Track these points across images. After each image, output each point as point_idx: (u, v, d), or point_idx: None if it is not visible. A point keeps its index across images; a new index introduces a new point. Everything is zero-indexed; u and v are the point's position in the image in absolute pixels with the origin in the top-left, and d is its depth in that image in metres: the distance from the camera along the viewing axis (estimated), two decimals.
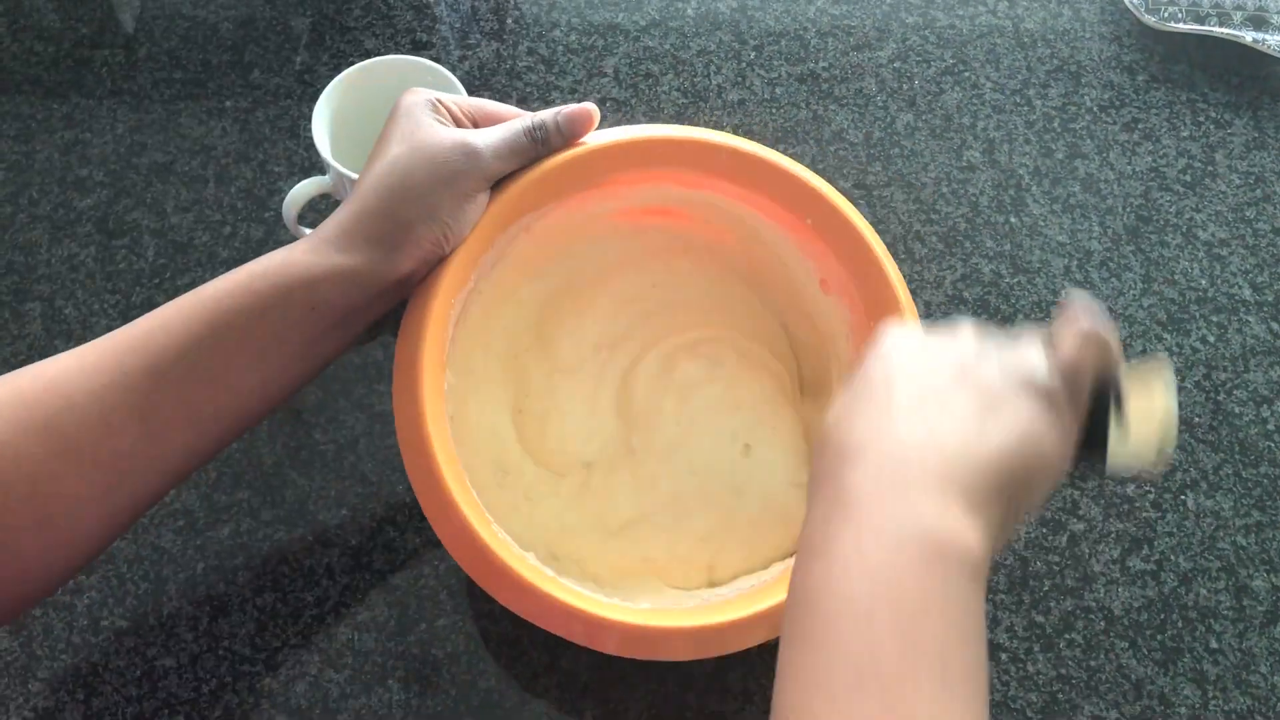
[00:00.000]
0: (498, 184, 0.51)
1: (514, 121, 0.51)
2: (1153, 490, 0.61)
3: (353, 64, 0.61)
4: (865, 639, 0.32)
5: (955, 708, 0.31)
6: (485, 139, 0.49)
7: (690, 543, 0.55)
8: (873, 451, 0.36)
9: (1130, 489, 0.61)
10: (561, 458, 0.56)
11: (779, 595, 0.48)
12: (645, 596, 0.52)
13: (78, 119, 0.71)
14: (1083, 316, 0.39)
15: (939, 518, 0.34)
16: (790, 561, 0.51)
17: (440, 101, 0.50)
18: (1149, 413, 0.38)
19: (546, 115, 0.51)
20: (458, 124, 0.50)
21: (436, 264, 0.49)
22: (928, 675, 0.31)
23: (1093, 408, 0.39)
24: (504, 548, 0.48)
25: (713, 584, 0.54)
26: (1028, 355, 0.38)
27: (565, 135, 0.52)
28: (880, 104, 0.74)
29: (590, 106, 0.52)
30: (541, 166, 0.52)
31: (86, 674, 0.54)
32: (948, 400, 0.37)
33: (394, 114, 0.49)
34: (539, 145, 0.51)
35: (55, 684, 0.54)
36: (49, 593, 0.45)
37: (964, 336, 0.40)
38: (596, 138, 0.53)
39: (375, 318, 0.49)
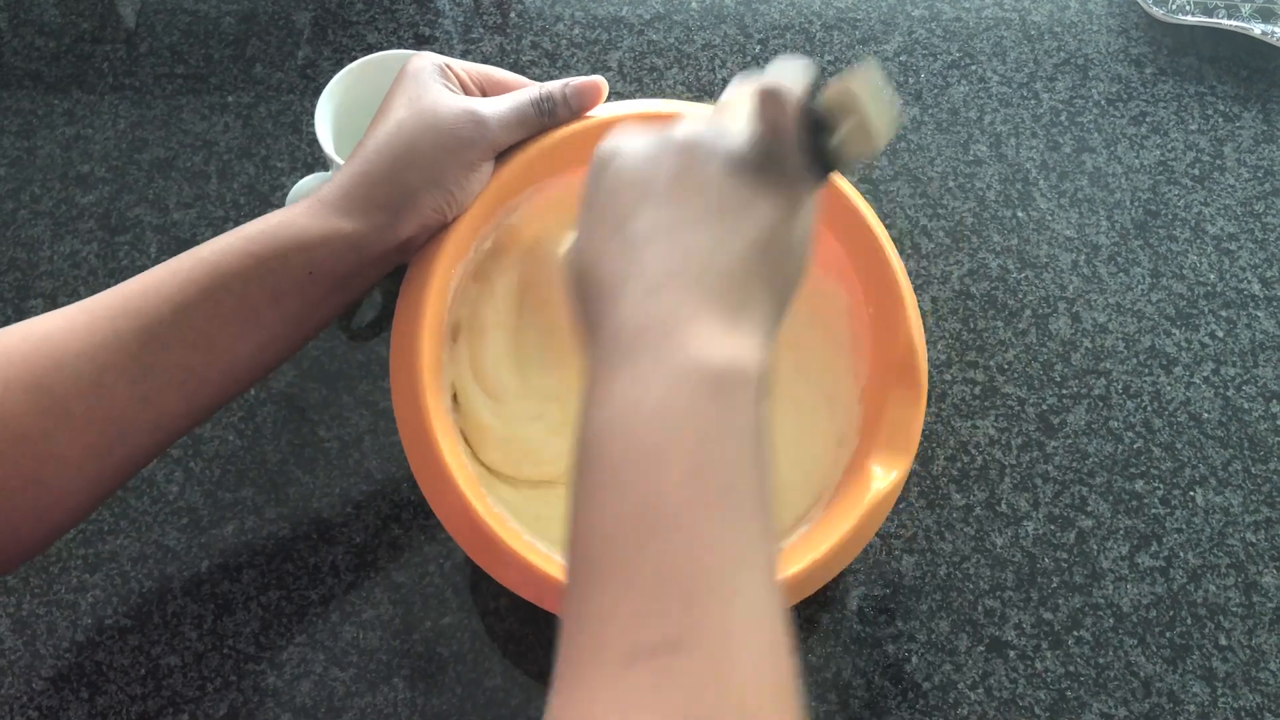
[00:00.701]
0: (502, 154, 0.50)
1: (522, 92, 0.50)
2: (1161, 486, 0.61)
3: (355, 59, 0.60)
4: (653, 479, 0.31)
5: (749, 534, 0.31)
6: (493, 109, 0.48)
7: None
8: (628, 286, 0.35)
9: (1139, 486, 0.60)
10: (564, 429, 0.56)
11: (801, 562, 0.47)
12: None
13: (79, 114, 0.71)
14: (762, 80, 0.38)
15: (709, 345, 0.33)
16: (804, 530, 0.51)
17: (449, 66, 0.49)
18: (852, 107, 0.36)
19: (555, 87, 0.50)
20: (465, 91, 0.49)
21: (437, 230, 0.49)
22: (719, 506, 0.31)
23: (803, 138, 0.37)
24: (499, 522, 0.47)
25: None
26: (728, 140, 0.37)
27: (573, 108, 0.51)
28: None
29: (599, 80, 0.51)
30: (548, 139, 0.51)
31: (91, 672, 0.54)
32: (676, 214, 0.36)
33: (401, 76, 0.48)
34: (546, 117, 0.50)
35: (59, 683, 0.54)
36: (38, 552, 0.44)
37: (672, 135, 0.38)
38: (604, 111, 0.52)
39: (373, 283, 0.48)
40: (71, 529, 0.47)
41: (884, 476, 0.49)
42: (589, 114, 0.52)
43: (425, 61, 0.48)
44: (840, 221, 0.54)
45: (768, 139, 0.37)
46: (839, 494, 0.51)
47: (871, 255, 0.53)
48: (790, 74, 0.37)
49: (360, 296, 0.48)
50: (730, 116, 0.39)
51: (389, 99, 0.48)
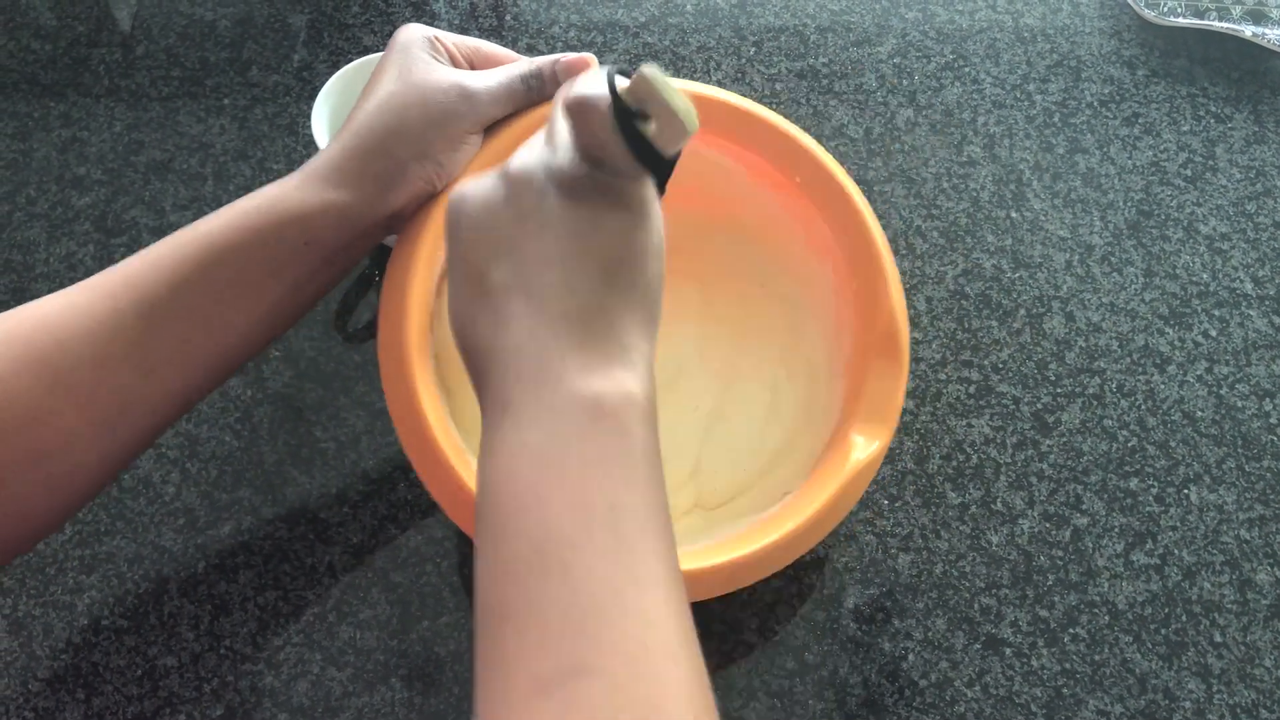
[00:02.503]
0: (491, 127, 0.50)
1: (511, 67, 0.50)
2: (1156, 484, 0.61)
3: (351, 61, 0.61)
4: (540, 516, 0.32)
5: (641, 553, 0.32)
6: (482, 83, 0.48)
7: (679, 477, 0.56)
8: (498, 341, 0.36)
9: (1134, 484, 0.61)
10: None
11: (781, 529, 0.48)
12: None
13: (75, 117, 0.71)
14: (564, 96, 0.38)
15: (581, 377, 0.34)
16: (786, 499, 0.51)
17: (438, 39, 0.49)
18: (651, 98, 0.37)
19: (544, 63, 0.50)
20: (454, 64, 0.49)
21: (426, 201, 0.49)
22: (605, 538, 0.32)
23: (624, 140, 0.37)
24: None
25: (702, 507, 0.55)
26: (560, 161, 0.37)
27: (562, 84, 0.50)
28: (880, 99, 0.74)
29: (588, 56, 0.51)
30: (537, 113, 0.51)
31: (87, 673, 0.54)
32: (533, 255, 0.36)
33: (390, 48, 0.48)
34: (534, 93, 0.50)
35: (55, 684, 0.54)
36: (47, 533, 0.45)
37: (513, 169, 0.38)
38: None
39: (362, 255, 0.49)
40: (81, 508, 0.47)
41: (865, 447, 0.50)
42: None
43: (415, 33, 0.48)
44: (827, 202, 0.54)
45: (589, 148, 0.37)
46: (820, 464, 0.51)
47: (855, 231, 0.54)
48: (589, 82, 0.37)
49: (351, 268, 0.49)
50: (555, 139, 0.39)
51: (379, 70, 0.48)
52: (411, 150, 0.46)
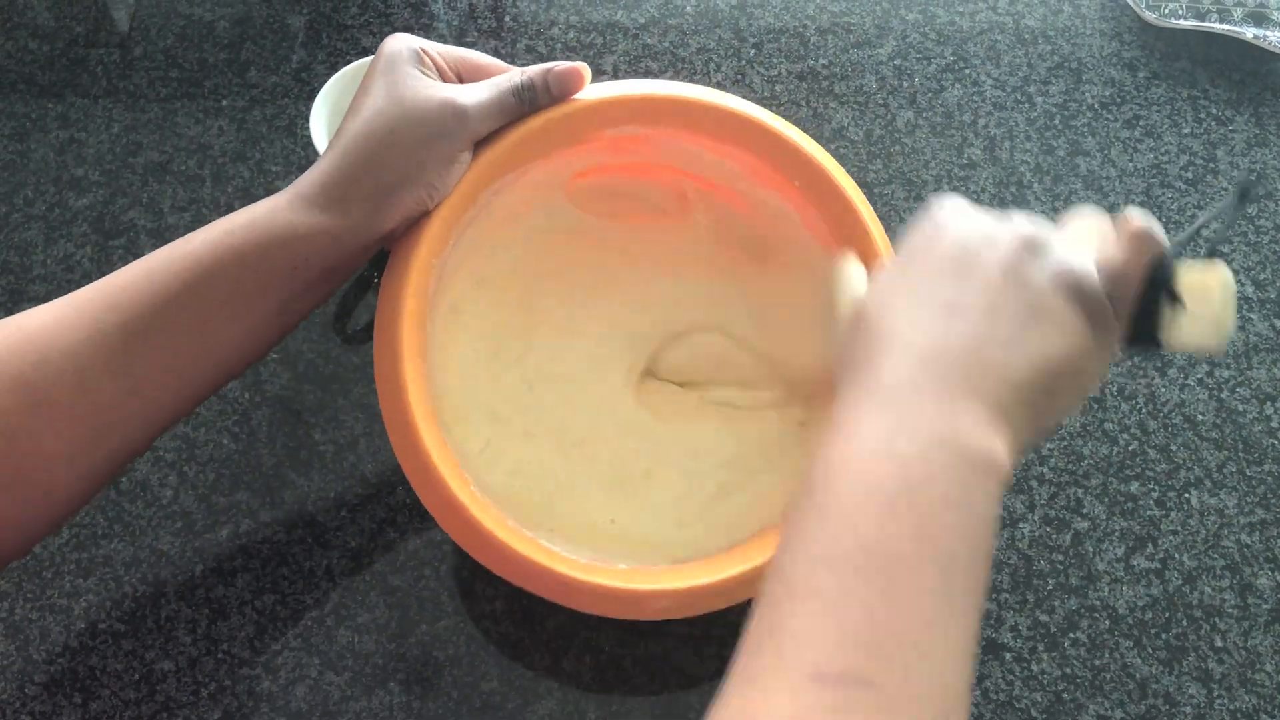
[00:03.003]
0: (482, 140, 0.49)
1: (501, 79, 0.49)
2: (1156, 488, 0.61)
3: (350, 62, 0.60)
4: (880, 524, 0.32)
5: (953, 610, 0.32)
6: (473, 98, 0.47)
7: (660, 512, 0.55)
8: (911, 344, 0.36)
9: (1134, 487, 0.60)
10: (541, 423, 0.56)
11: (757, 560, 0.48)
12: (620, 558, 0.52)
13: (73, 118, 0.71)
14: (1135, 217, 0.38)
15: (971, 427, 0.34)
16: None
17: (426, 51, 0.48)
18: (1205, 298, 0.37)
19: (535, 74, 0.49)
20: (443, 77, 0.48)
21: (419, 219, 0.48)
22: (933, 573, 0.32)
23: (1144, 300, 0.38)
24: (480, 506, 0.48)
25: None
26: (1077, 259, 0.37)
27: (555, 95, 0.50)
28: (880, 101, 0.74)
29: (581, 66, 0.50)
30: (530, 124, 0.50)
31: (84, 678, 0.54)
32: (993, 301, 0.36)
33: (377, 61, 0.47)
34: (526, 105, 0.49)
35: (52, 688, 0.53)
36: (23, 552, 0.44)
37: (1015, 228, 0.38)
38: (589, 94, 0.51)
39: (350, 275, 0.48)
40: (60, 526, 0.46)
41: None
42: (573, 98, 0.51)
43: (402, 45, 0.47)
44: (833, 212, 0.55)
45: (1114, 275, 0.37)
46: None
47: (843, 211, 0.54)
48: (1161, 232, 0.38)
49: (338, 287, 0.49)
50: (1073, 236, 0.39)
51: (366, 84, 0.47)
52: (402, 171, 0.46)
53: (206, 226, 0.45)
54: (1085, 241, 0.39)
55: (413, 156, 0.45)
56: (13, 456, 0.41)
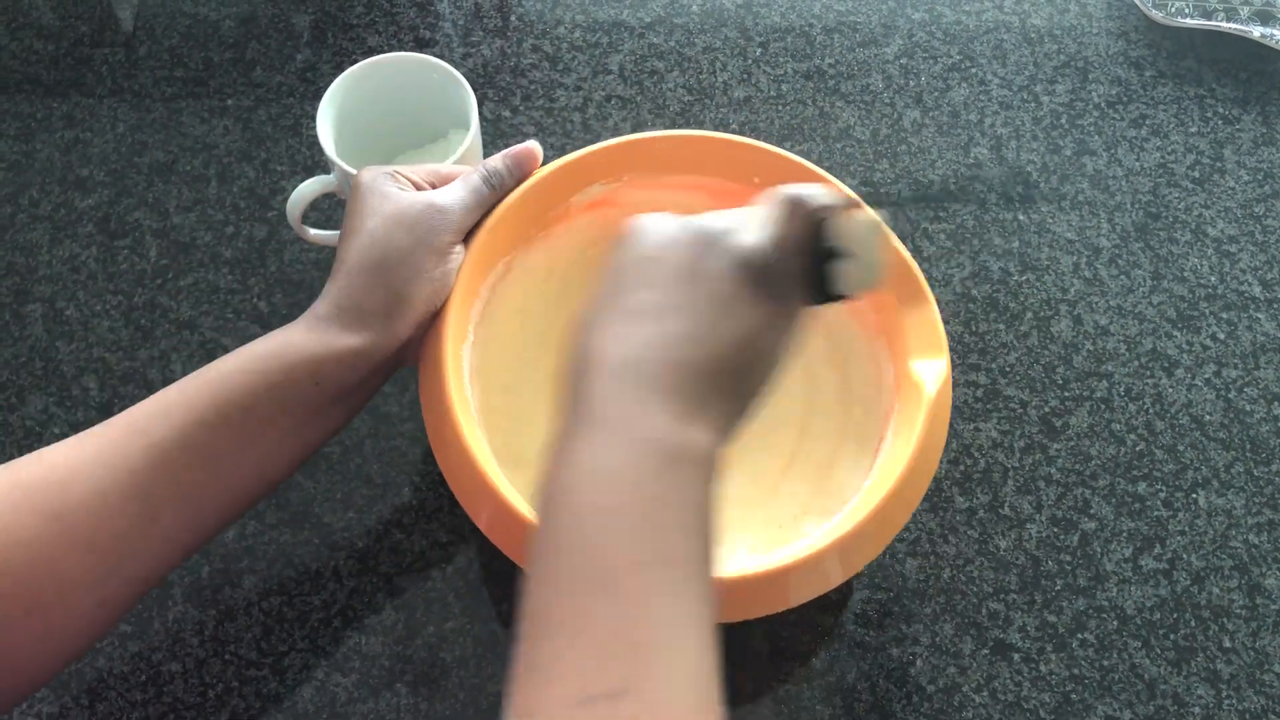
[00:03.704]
0: (469, 234, 0.52)
1: (469, 174, 0.52)
2: (1164, 489, 0.61)
3: (355, 61, 0.60)
4: (605, 541, 0.34)
5: (688, 603, 0.34)
6: (450, 195, 0.51)
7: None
8: (605, 358, 0.37)
9: (1142, 488, 0.60)
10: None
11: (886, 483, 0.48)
12: None
13: (78, 118, 0.71)
14: (783, 189, 0.41)
15: (670, 426, 0.36)
16: (881, 458, 0.52)
17: (398, 172, 0.51)
18: (861, 244, 0.39)
19: (496, 161, 0.53)
20: (418, 189, 0.51)
21: (426, 324, 0.50)
22: (663, 574, 0.34)
23: (811, 260, 0.40)
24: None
25: None
26: (747, 239, 0.39)
27: (516, 176, 0.54)
28: (887, 100, 0.74)
29: (532, 144, 0.54)
30: (500, 211, 0.53)
31: (91, 680, 0.54)
32: (675, 299, 0.38)
33: (356, 191, 0.50)
34: (497, 190, 0.53)
35: (59, 690, 0.53)
36: (39, 685, 0.44)
37: (697, 224, 0.41)
38: (541, 172, 0.55)
39: (375, 390, 0.50)
40: (77, 658, 0.47)
41: (933, 371, 0.51)
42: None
43: (375, 171, 0.51)
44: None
45: (779, 246, 0.39)
46: (899, 406, 0.52)
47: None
48: (815, 193, 0.40)
49: (363, 405, 0.50)
50: (753, 220, 0.41)
51: (352, 213, 0.50)
52: (406, 275, 0.48)
53: (229, 354, 0.46)
54: (758, 222, 0.41)
55: (412, 257, 0.48)
56: (36, 584, 0.41)
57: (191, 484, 0.44)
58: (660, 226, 0.41)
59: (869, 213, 0.40)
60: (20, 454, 0.43)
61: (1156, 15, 0.77)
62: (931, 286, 0.66)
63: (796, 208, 0.40)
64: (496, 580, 0.57)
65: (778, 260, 0.39)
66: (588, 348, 0.38)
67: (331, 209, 0.66)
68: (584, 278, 0.59)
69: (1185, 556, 0.59)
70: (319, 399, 0.47)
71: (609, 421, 0.36)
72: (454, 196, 0.51)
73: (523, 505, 0.46)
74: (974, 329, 0.65)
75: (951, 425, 0.62)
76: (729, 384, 0.38)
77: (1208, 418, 0.63)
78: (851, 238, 0.39)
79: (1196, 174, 0.72)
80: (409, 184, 0.51)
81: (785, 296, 0.40)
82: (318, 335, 0.47)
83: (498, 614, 0.56)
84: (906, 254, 0.54)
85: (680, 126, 0.72)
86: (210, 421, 0.44)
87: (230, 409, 0.45)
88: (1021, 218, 0.69)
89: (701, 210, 0.58)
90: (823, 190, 0.40)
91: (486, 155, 0.68)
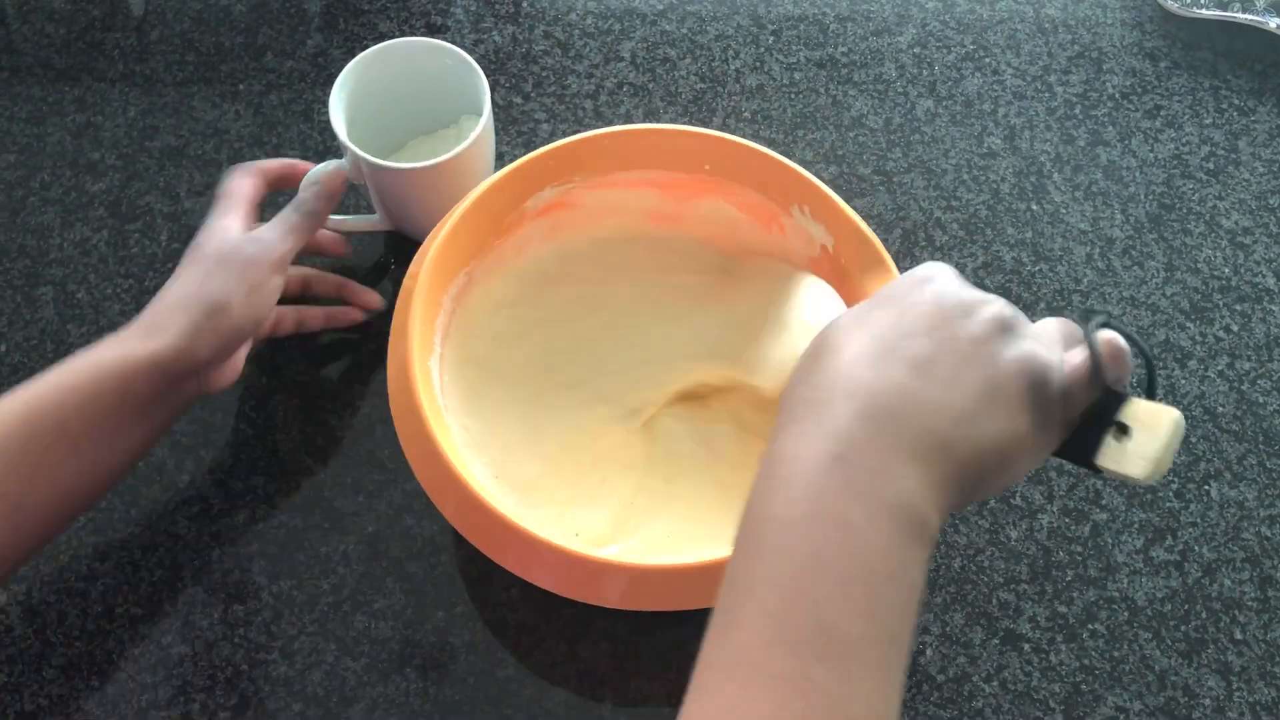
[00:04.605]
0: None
1: (286, 208, 0.56)
2: (1176, 480, 0.60)
3: (366, 47, 0.60)
4: (833, 603, 0.32)
5: (892, 683, 0.33)
6: (263, 229, 0.54)
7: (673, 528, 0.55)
8: (869, 391, 0.35)
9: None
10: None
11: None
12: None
13: (89, 102, 0.71)
14: (1115, 338, 0.38)
15: (919, 492, 0.34)
16: None
17: (242, 202, 0.55)
18: (1152, 435, 0.36)
19: (301, 191, 0.56)
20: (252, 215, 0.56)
21: (233, 350, 0.53)
22: (879, 650, 0.33)
23: (1091, 418, 0.38)
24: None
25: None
26: (1045, 352, 0.37)
27: (323, 198, 0.56)
28: (900, 90, 0.73)
29: (332, 163, 0.57)
30: (450, 221, 0.53)
31: (101, 661, 0.54)
32: (957, 370, 0.36)
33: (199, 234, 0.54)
34: (310, 217, 0.55)
35: (70, 671, 0.53)
36: None
37: (995, 306, 0.38)
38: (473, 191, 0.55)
39: (177, 411, 0.52)
40: None
41: None
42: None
43: (221, 221, 0.54)
44: (737, 169, 0.56)
45: (1074, 382, 0.37)
46: None
47: (764, 167, 0.56)
48: (1128, 361, 0.38)
49: (168, 423, 0.52)
50: (1045, 330, 0.39)
51: (187, 253, 0.53)
52: (214, 296, 0.51)
53: (53, 367, 0.48)
54: (1055, 339, 0.39)
55: (222, 286, 0.51)
56: None
57: (9, 497, 0.46)
58: (956, 286, 0.39)
59: (1178, 417, 0.36)
60: None
61: (1172, 6, 0.77)
62: None
63: (1116, 362, 0.37)
64: None
65: (1065, 393, 0.37)
66: (847, 364, 0.36)
67: (343, 194, 0.65)
68: (550, 289, 0.60)
69: (1197, 548, 0.58)
70: (124, 407, 0.49)
71: (858, 464, 0.34)
72: (268, 227, 0.54)
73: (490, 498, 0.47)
74: None
75: None
76: (969, 478, 0.36)
77: (1220, 409, 0.63)
78: (1145, 425, 0.37)
79: (1211, 165, 0.71)
80: (243, 215, 0.55)
81: (1053, 428, 0.37)
82: (120, 344, 0.49)
83: (507, 600, 0.56)
84: (862, 224, 0.54)
85: (693, 115, 0.72)
86: (22, 434, 0.46)
87: (40, 419, 0.47)
88: (1035, 207, 0.69)
89: (655, 206, 0.59)
90: (1129, 356, 0.38)
91: (498, 142, 0.68)
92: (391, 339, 0.52)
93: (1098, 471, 0.38)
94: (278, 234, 0.54)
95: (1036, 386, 0.36)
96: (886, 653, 0.33)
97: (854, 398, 0.35)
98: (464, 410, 0.55)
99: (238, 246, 0.52)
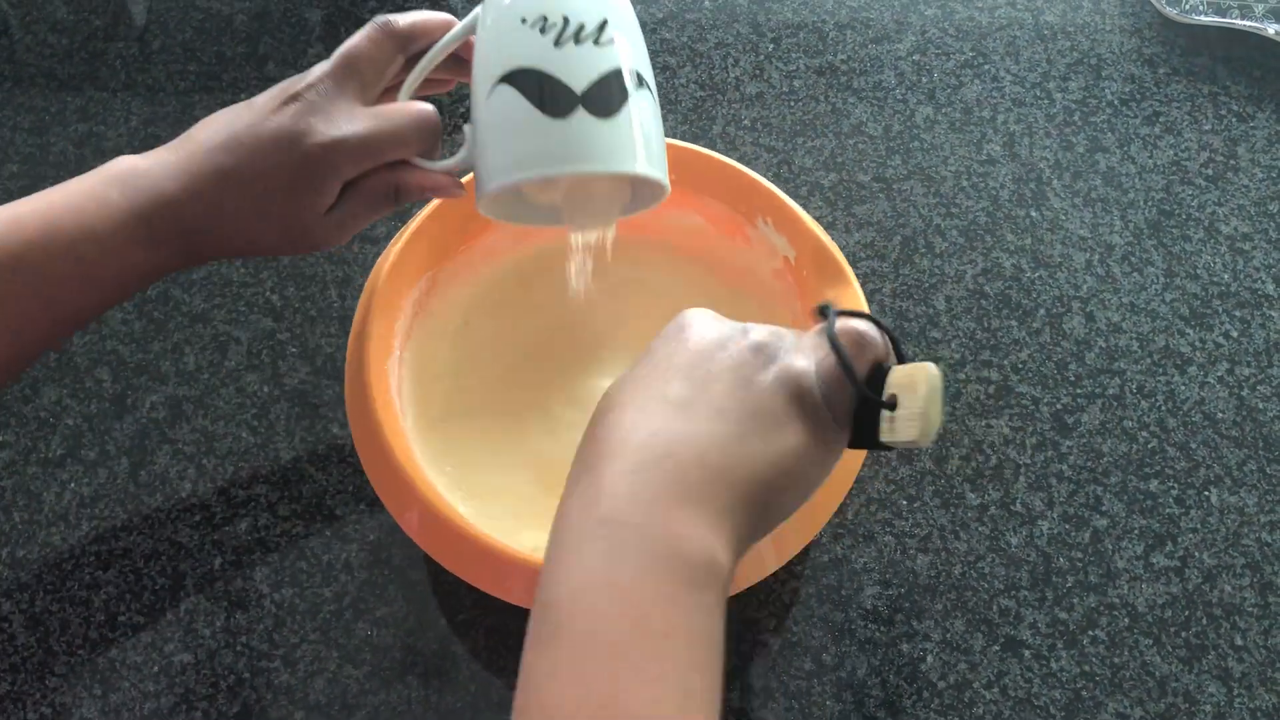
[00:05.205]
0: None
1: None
2: (1176, 486, 0.60)
3: None
4: (613, 675, 0.32)
5: None
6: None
7: None
8: (635, 445, 0.36)
9: (1154, 485, 0.60)
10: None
11: None
12: None
13: (92, 112, 0.71)
14: (854, 323, 0.39)
15: (696, 535, 0.34)
16: None
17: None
18: (913, 397, 0.37)
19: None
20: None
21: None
22: (671, 706, 0.32)
23: (861, 402, 0.39)
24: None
25: None
26: (799, 363, 0.38)
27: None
28: (899, 97, 0.74)
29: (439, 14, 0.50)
30: (411, 225, 0.54)
31: (104, 669, 0.54)
32: (721, 403, 0.37)
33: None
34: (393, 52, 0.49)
35: (72, 679, 0.54)
36: None
37: (752, 335, 0.39)
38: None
39: (106, 304, 0.46)
40: None
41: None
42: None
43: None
44: (702, 174, 0.57)
45: (831, 381, 0.38)
46: None
47: (727, 177, 0.56)
48: (876, 338, 0.39)
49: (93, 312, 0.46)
50: (805, 343, 0.40)
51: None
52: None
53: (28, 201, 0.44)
54: (810, 346, 0.39)
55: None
56: None
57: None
58: (712, 326, 0.40)
59: (932, 368, 0.37)
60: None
61: (1171, 12, 0.77)
62: (943, 283, 0.66)
63: (861, 349, 0.39)
64: None
65: (827, 394, 0.38)
66: (614, 424, 0.37)
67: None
68: (517, 294, 0.60)
69: (1197, 554, 0.59)
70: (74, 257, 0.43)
71: (625, 524, 0.34)
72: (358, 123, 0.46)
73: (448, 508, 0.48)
74: (986, 325, 0.65)
75: (963, 421, 0.62)
76: (758, 501, 0.36)
77: (1220, 415, 0.63)
78: (906, 388, 0.38)
79: (1210, 171, 0.72)
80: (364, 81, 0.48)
81: (824, 429, 0.38)
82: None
83: (509, 606, 0.56)
84: (824, 237, 0.54)
85: (692, 122, 0.72)
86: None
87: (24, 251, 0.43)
88: (1034, 214, 0.69)
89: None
90: (878, 334, 0.39)
91: None
92: (350, 341, 0.52)
93: (890, 449, 0.39)
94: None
95: (798, 397, 0.37)
96: (680, 708, 0.32)
97: (619, 454, 0.36)
98: (422, 416, 0.55)
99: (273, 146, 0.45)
